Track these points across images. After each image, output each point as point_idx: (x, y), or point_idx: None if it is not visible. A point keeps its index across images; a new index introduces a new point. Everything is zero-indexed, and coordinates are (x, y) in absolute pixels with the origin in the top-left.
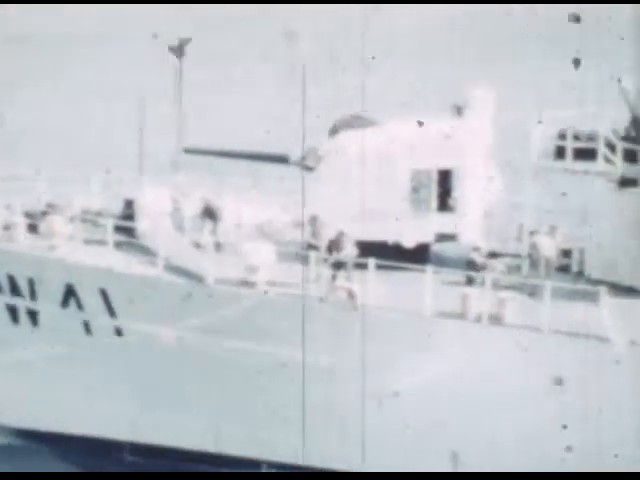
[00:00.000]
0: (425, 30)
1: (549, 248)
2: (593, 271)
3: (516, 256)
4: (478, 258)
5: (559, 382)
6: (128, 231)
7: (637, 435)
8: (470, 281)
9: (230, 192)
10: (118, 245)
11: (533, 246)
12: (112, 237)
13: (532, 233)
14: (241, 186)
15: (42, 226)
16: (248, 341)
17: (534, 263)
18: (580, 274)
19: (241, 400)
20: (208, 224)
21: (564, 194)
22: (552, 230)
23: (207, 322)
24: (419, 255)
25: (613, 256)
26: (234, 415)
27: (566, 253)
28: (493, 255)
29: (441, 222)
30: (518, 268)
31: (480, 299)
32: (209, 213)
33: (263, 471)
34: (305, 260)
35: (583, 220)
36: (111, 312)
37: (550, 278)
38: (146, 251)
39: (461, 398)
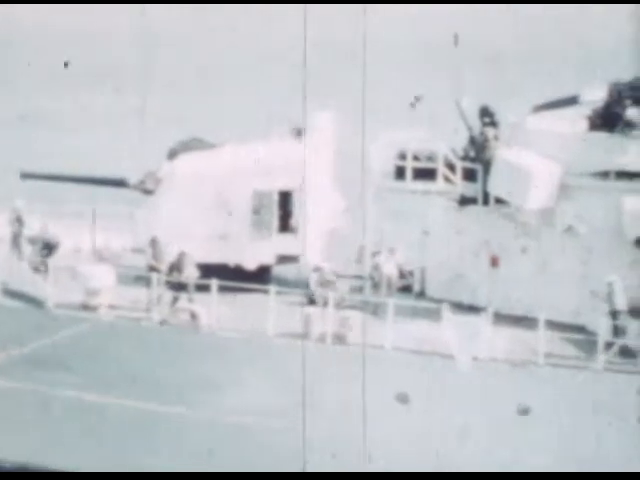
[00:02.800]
0: (266, 53)
1: (390, 268)
2: (435, 290)
3: (358, 277)
4: (320, 278)
5: (404, 399)
6: None
7: (481, 449)
8: (312, 301)
9: (68, 216)
10: None
11: (375, 267)
12: None
13: (374, 254)
14: (79, 210)
15: None
16: (89, 365)
17: (376, 284)
18: (422, 293)
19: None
20: (46, 249)
21: (405, 214)
22: (392, 251)
23: (47, 346)
24: (261, 277)
25: (454, 275)
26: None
27: (407, 273)
28: (335, 276)
29: (283, 243)
30: (360, 289)
31: (323, 319)
32: (46, 238)
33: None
34: (147, 282)
35: (424, 240)
36: None
37: (392, 298)
38: None
39: (306, 416)
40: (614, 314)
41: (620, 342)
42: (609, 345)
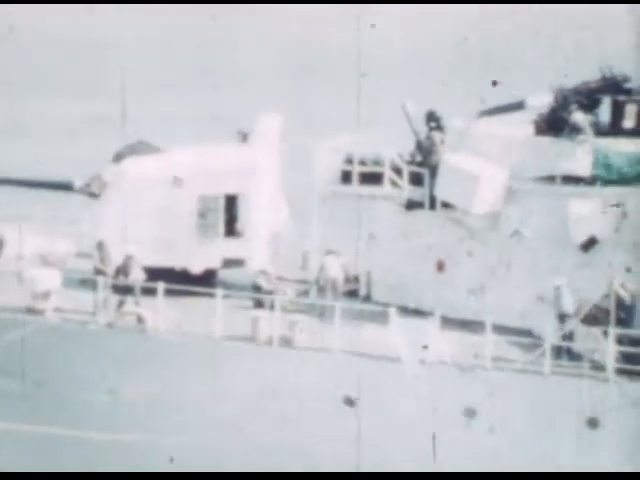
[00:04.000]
0: (212, 58)
1: (336, 272)
2: (381, 294)
3: (303, 282)
4: (266, 282)
5: (350, 402)
6: None
7: (425, 452)
8: (259, 304)
9: (11, 220)
10: None
11: (322, 269)
12: None
13: (325, 253)
14: (23, 214)
15: None
16: (35, 367)
17: (322, 288)
18: (368, 298)
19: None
20: None
21: (351, 218)
22: (338, 254)
23: None
24: (207, 281)
25: (401, 279)
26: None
27: (353, 278)
28: (281, 280)
29: (229, 247)
30: (306, 293)
31: (270, 322)
32: None
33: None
34: (93, 286)
35: (371, 244)
36: None
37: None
38: None
39: (254, 420)
40: (561, 317)
41: (567, 345)
42: (556, 349)
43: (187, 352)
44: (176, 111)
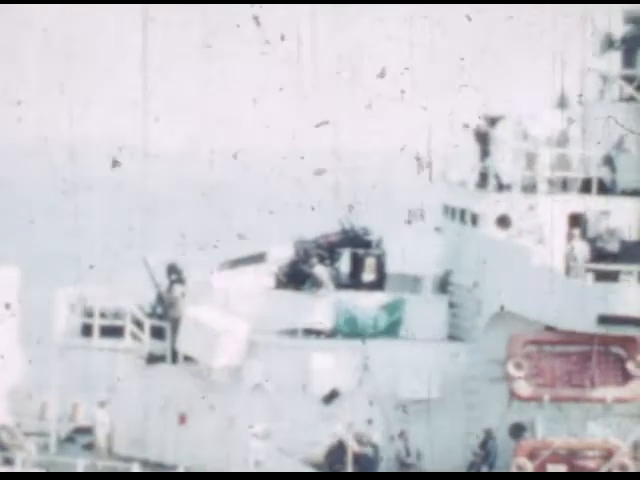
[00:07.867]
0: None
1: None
2: (122, 447)
3: (41, 434)
4: (8, 438)
5: None
6: None
7: None
8: (7, 461)
9: None
10: None
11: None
12: None
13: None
14: None
15: None
16: None
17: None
18: (109, 451)
19: None
20: None
21: (91, 372)
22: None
23: None
24: None
25: (142, 432)
26: None
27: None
28: (25, 434)
29: None
30: (46, 447)
31: None
32: None
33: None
34: None
35: (111, 397)
36: None
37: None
38: None
39: None
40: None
41: None
42: None
43: None
44: None
